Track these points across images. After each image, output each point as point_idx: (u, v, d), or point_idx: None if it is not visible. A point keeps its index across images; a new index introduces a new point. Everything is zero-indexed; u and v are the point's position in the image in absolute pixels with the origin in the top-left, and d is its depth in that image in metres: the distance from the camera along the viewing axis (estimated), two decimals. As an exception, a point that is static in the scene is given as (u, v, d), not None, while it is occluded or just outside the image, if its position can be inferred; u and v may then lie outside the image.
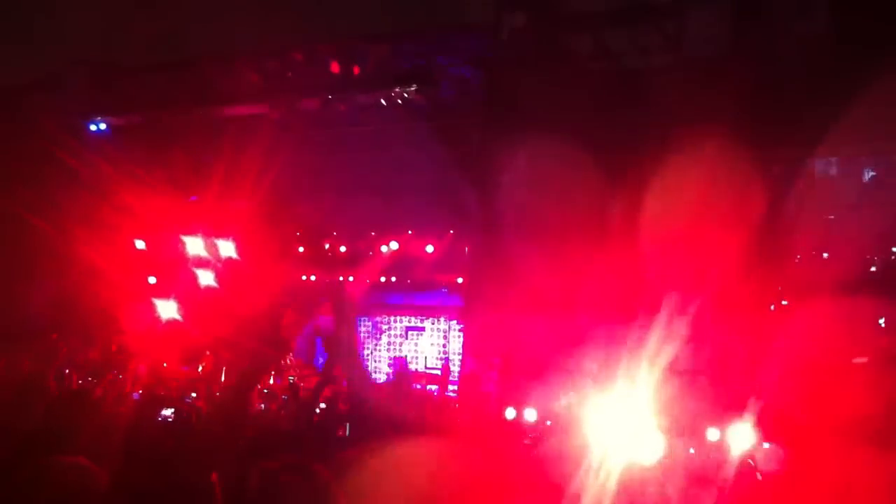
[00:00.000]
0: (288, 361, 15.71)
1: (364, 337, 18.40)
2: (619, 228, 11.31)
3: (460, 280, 15.69)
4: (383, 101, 15.08)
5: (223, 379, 14.66)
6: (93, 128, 17.70)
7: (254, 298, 13.33)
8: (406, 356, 17.43)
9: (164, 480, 4.66)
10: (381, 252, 16.36)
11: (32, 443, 5.50)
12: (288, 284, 16.41)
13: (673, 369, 8.02)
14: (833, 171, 12.81)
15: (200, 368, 14.91)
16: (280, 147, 14.26)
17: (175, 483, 4.73)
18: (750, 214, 10.95)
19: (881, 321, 11.75)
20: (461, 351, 15.97)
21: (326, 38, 15.64)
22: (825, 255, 12.22)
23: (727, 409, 7.92)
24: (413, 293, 17.32)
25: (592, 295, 10.95)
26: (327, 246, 17.06)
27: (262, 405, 13.16)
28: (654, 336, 8.36)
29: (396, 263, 16.40)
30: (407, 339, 17.91)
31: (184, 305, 11.83)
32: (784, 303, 12.38)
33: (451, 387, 16.07)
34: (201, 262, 12.30)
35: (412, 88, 14.86)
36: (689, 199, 10.81)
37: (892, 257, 12.27)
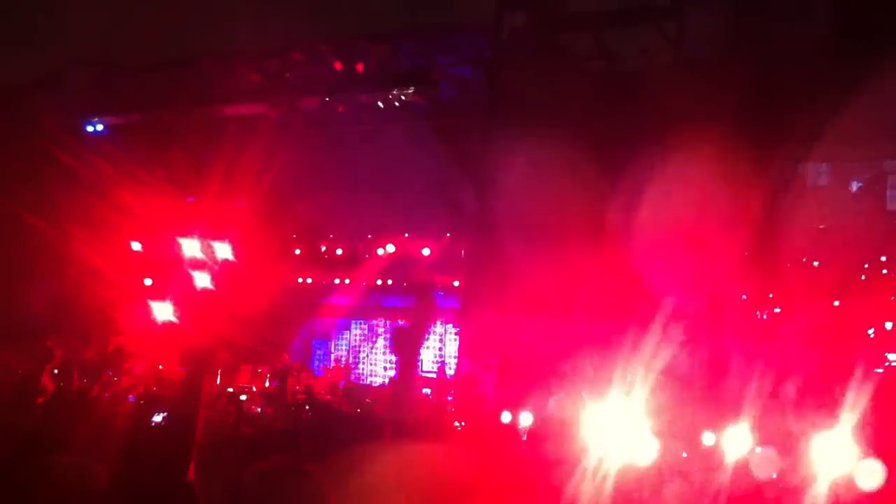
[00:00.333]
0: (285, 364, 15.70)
1: (360, 340, 18.37)
2: (617, 230, 11.29)
3: (457, 283, 15.66)
4: (381, 102, 15.07)
5: (219, 380, 14.66)
6: (91, 128, 17.69)
7: (250, 300, 13.31)
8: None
9: (163, 480, 4.67)
10: (377, 255, 16.34)
11: (31, 442, 5.51)
12: (285, 286, 16.39)
13: (669, 373, 8.00)
14: (823, 181, 12.88)
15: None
16: (279, 147, 14.25)
17: (174, 482, 4.74)
18: (747, 216, 10.94)
19: (870, 331, 11.86)
20: (457, 354, 15.93)
21: (326, 38, 15.64)
22: (816, 263, 12.30)
23: (723, 413, 7.89)
24: (410, 296, 17.29)
25: (589, 298, 10.92)
26: (324, 248, 17.03)
27: (259, 408, 13.16)
28: (651, 339, 8.35)
29: (393, 265, 16.36)
30: (403, 341, 17.87)
31: (180, 307, 11.80)
32: (777, 310, 12.43)
33: (447, 390, 16.04)
34: (198, 264, 12.26)
35: (411, 89, 14.84)
36: (687, 201, 10.80)
37: (882, 269, 12.34)
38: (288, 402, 12.72)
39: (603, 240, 11.45)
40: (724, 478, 6.93)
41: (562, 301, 11.16)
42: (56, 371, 12.66)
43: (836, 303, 11.81)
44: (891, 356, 11.87)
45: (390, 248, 16.14)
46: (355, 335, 18.36)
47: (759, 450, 7.20)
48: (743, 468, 7.04)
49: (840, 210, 12.53)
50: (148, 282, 15.31)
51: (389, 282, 16.88)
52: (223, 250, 12.13)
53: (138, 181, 14.78)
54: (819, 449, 6.57)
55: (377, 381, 17.56)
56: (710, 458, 7.52)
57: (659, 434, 7.52)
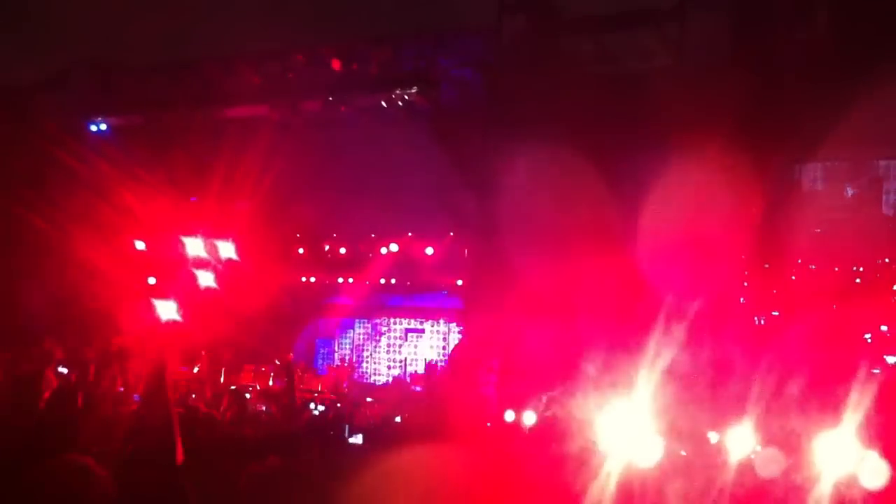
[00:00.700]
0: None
1: (363, 339, 18.40)
2: (618, 232, 11.33)
3: (460, 282, 15.70)
4: (384, 104, 15.10)
5: (222, 380, 14.68)
6: (94, 128, 17.70)
7: (254, 299, 13.33)
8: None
9: (165, 482, 4.67)
10: (380, 254, 16.37)
11: (34, 443, 5.50)
12: (288, 285, 16.42)
13: (672, 373, 8.02)
14: (819, 185, 12.99)
15: (196, 369, 14.92)
16: (280, 148, 14.27)
17: (175, 484, 4.74)
18: (748, 219, 10.99)
19: (867, 336, 11.96)
20: (460, 353, 15.96)
21: (328, 40, 15.67)
22: (812, 266, 12.40)
23: (727, 412, 7.92)
24: (413, 295, 17.33)
25: (592, 298, 10.96)
26: (327, 248, 17.06)
27: (264, 407, 13.14)
28: (654, 339, 8.37)
29: (396, 265, 16.40)
30: (406, 341, 17.91)
31: (183, 306, 11.81)
32: (774, 313, 12.51)
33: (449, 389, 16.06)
34: (201, 263, 12.28)
35: (413, 90, 14.87)
36: (688, 203, 10.83)
37: (877, 272, 12.44)
38: (296, 402, 12.71)
39: (604, 241, 11.48)
40: (728, 477, 6.95)
41: (565, 301, 11.20)
42: (59, 370, 12.67)
43: (834, 306, 11.91)
44: (889, 359, 11.95)
45: (393, 247, 16.18)
46: (359, 334, 18.40)
47: (762, 449, 7.22)
48: (747, 467, 7.06)
49: (836, 214, 12.63)
50: (152, 281, 15.35)
51: (393, 281, 16.92)
52: (227, 249, 12.15)
53: (140, 181, 14.81)
54: (823, 448, 6.59)
55: (381, 380, 17.60)
56: (714, 458, 7.54)
57: (662, 434, 7.54)
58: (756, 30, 12.24)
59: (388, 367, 17.83)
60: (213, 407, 11.83)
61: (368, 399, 14.68)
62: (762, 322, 12.48)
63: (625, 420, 7.43)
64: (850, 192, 13.05)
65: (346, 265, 16.89)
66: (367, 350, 18.27)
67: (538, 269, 11.51)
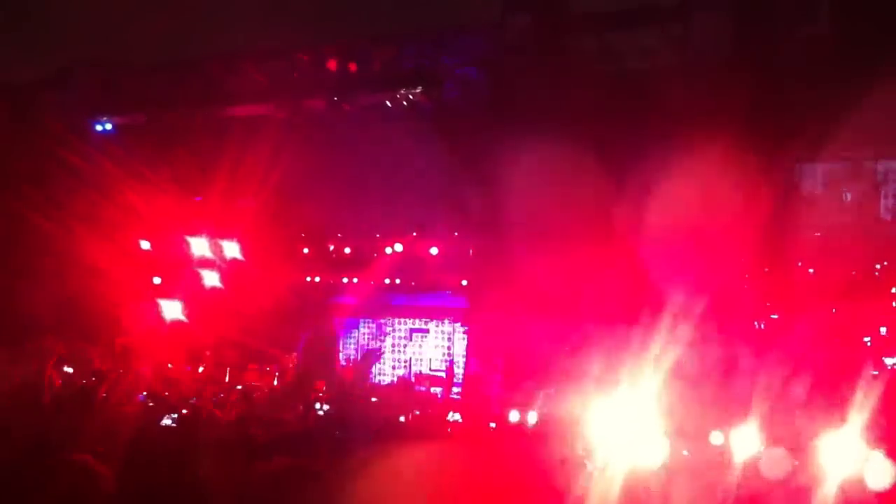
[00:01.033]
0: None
1: (368, 339, 18.38)
2: (623, 231, 11.32)
3: (465, 282, 15.68)
4: (388, 102, 15.09)
5: (227, 379, 14.66)
6: (98, 127, 17.71)
7: (258, 299, 13.36)
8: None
9: (169, 480, 4.68)
10: (385, 253, 16.35)
11: (38, 442, 5.51)
12: (293, 285, 16.42)
13: (677, 373, 8.02)
14: (819, 189, 13.04)
15: (201, 369, 14.92)
16: (284, 147, 14.27)
17: (179, 483, 4.74)
18: (751, 217, 10.98)
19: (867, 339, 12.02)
20: (465, 353, 15.96)
21: (332, 40, 15.66)
22: (811, 270, 12.46)
23: (731, 412, 7.91)
24: (417, 295, 17.30)
25: (597, 298, 10.95)
26: (332, 247, 17.04)
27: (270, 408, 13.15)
28: (658, 339, 8.36)
29: (401, 265, 16.38)
30: (411, 341, 17.88)
31: (188, 306, 11.83)
32: (773, 316, 12.55)
33: (454, 389, 16.05)
34: (206, 263, 12.31)
35: (417, 89, 14.86)
36: (691, 202, 10.82)
37: (875, 274, 12.49)
38: (310, 401, 12.74)
39: (609, 240, 11.47)
40: (733, 478, 6.94)
41: (570, 301, 11.19)
42: (66, 369, 12.69)
43: (833, 309, 11.95)
44: (888, 360, 11.97)
45: (398, 247, 16.15)
46: (363, 334, 18.37)
47: (768, 450, 7.21)
48: (752, 468, 7.05)
49: (835, 218, 12.67)
50: (157, 281, 15.37)
51: (398, 281, 16.90)
52: (231, 249, 12.20)
53: (144, 181, 14.82)
54: (828, 448, 6.59)
55: (385, 379, 17.58)
56: (719, 458, 7.54)
57: (667, 434, 7.54)
58: (759, 28, 12.23)
59: (393, 368, 17.81)
60: (219, 406, 11.84)
61: (373, 399, 14.66)
62: (762, 325, 12.50)
63: (629, 420, 7.43)
64: (848, 195, 13.11)
65: (350, 265, 16.87)
66: (372, 350, 18.26)
67: (543, 269, 11.49)
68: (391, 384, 17.12)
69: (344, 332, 18.48)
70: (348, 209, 16.05)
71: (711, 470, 7.12)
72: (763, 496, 6.58)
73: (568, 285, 11.22)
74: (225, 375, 15.05)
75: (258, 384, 14.78)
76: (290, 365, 15.44)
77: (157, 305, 11.80)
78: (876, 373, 10.64)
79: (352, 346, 18.46)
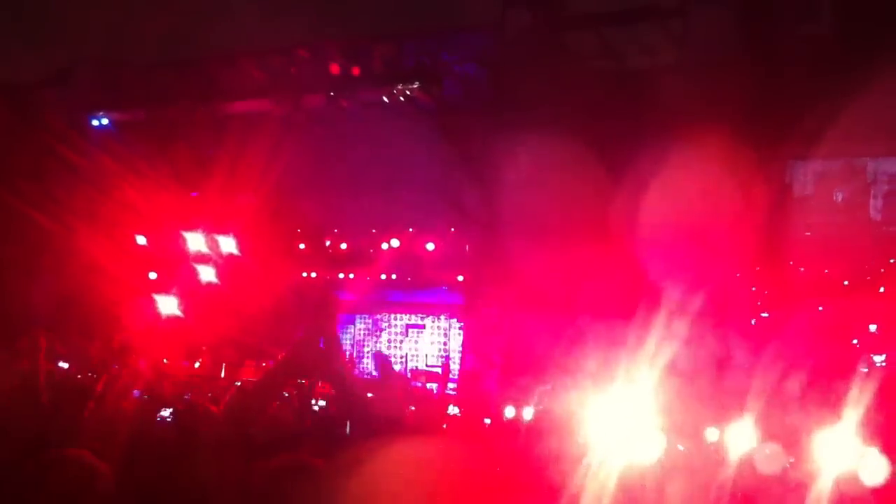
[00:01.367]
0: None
1: (364, 334, 18.40)
2: (621, 227, 11.34)
3: (461, 278, 15.70)
4: (387, 99, 15.09)
5: (223, 375, 14.66)
6: (96, 123, 17.71)
7: (254, 295, 13.36)
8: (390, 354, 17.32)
9: (167, 477, 4.68)
10: (382, 249, 16.37)
11: (37, 438, 5.52)
12: (289, 281, 16.44)
13: (672, 368, 8.03)
14: (810, 190, 13.12)
15: (198, 365, 14.93)
16: (282, 144, 14.28)
17: (177, 480, 4.75)
18: (749, 215, 11.01)
19: (855, 341, 12.11)
20: (461, 349, 15.98)
21: (331, 36, 15.65)
22: (802, 269, 12.54)
23: (726, 408, 7.94)
24: (414, 291, 17.33)
25: (593, 294, 10.97)
26: (328, 243, 17.06)
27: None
28: (655, 335, 8.38)
29: (397, 261, 16.40)
30: (407, 336, 17.91)
31: (185, 301, 11.84)
32: (764, 314, 12.63)
33: (450, 385, 16.08)
34: (202, 258, 12.31)
35: (416, 86, 14.87)
36: (690, 199, 10.84)
37: (866, 275, 12.60)
38: (310, 399, 12.76)
39: (606, 237, 11.49)
40: (729, 474, 6.96)
41: (566, 297, 11.21)
42: (62, 365, 12.68)
43: (820, 308, 12.05)
44: (876, 358, 12.05)
45: (395, 243, 16.17)
46: (359, 330, 18.40)
47: (762, 446, 7.23)
48: (747, 464, 7.07)
49: (826, 218, 12.74)
50: (153, 276, 15.37)
51: (394, 277, 16.92)
52: (227, 244, 12.20)
53: (142, 177, 14.82)
54: (823, 445, 6.61)
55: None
56: (714, 454, 7.56)
57: (663, 430, 7.55)
58: (759, 26, 12.24)
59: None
60: (215, 403, 11.86)
61: (369, 395, 14.66)
62: (753, 322, 12.57)
63: (625, 416, 7.44)
64: (840, 196, 13.19)
65: (347, 260, 16.89)
66: (368, 346, 18.27)
67: (539, 265, 11.52)
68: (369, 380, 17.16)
69: (339, 327, 18.51)
70: (345, 205, 16.06)
71: (707, 466, 7.14)
72: (758, 492, 6.60)
73: (564, 282, 11.24)
74: (221, 371, 15.06)
75: (255, 379, 14.78)
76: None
77: (153, 301, 11.79)
78: (867, 370, 10.71)
79: (347, 342, 18.49)
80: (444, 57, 14.80)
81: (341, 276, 17.24)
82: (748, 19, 12.29)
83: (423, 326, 17.73)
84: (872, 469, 6.21)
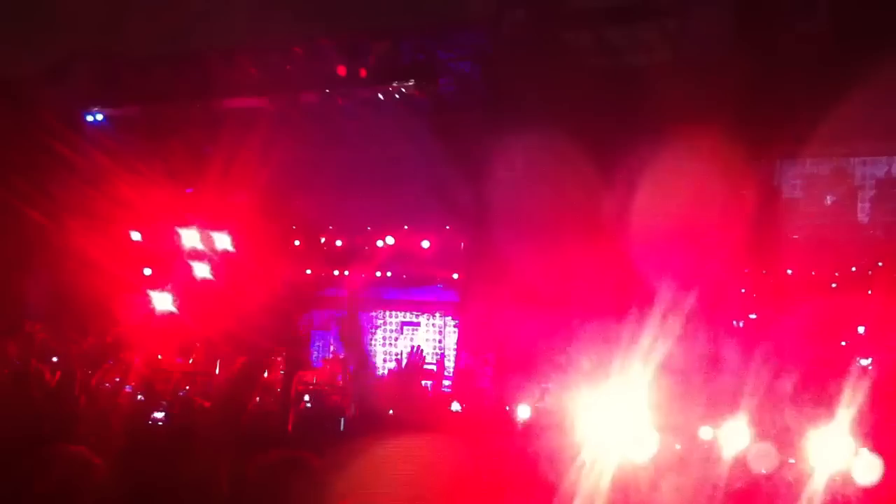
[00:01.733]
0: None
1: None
2: (615, 225, 11.35)
3: (456, 276, 15.70)
4: (382, 96, 15.08)
5: (217, 372, 14.63)
6: (90, 118, 17.67)
7: (249, 291, 13.33)
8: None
9: (161, 472, 4.68)
10: (377, 246, 16.36)
11: (30, 433, 5.51)
12: (284, 278, 16.42)
13: (667, 367, 8.04)
14: (798, 193, 13.21)
15: (191, 361, 14.91)
16: (278, 140, 14.26)
17: (171, 475, 4.74)
18: (743, 214, 11.04)
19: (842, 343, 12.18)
20: (456, 347, 15.98)
21: (327, 34, 15.63)
22: (789, 271, 12.62)
23: (721, 407, 7.95)
24: (409, 288, 17.33)
25: (587, 292, 10.97)
26: (324, 240, 17.05)
27: (258, 398, 13.15)
28: (649, 333, 8.38)
29: (393, 258, 16.40)
30: (402, 334, 17.92)
31: (179, 297, 11.80)
32: (752, 316, 12.68)
33: (445, 382, 16.09)
34: (197, 255, 12.28)
35: (412, 83, 14.86)
36: (684, 198, 10.85)
37: (854, 277, 12.68)
38: (291, 394, 12.72)
39: (601, 235, 11.50)
40: (722, 472, 6.97)
41: (561, 295, 11.21)
42: (55, 360, 12.64)
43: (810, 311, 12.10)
44: (863, 361, 12.11)
45: (390, 240, 16.18)
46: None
47: (756, 445, 7.24)
48: (741, 463, 7.09)
49: (814, 221, 12.80)
50: (147, 272, 15.34)
51: (389, 274, 16.93)
52: (222, 241, 12.18)
53: (137, 173, 14.78)
54: (816, 444, 6.62)
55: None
56: (708, 453, 7.57)
57: (657, 428, 7.55)
58: (757, 24, 12.25)
59: (384, 360, 17.83)
60: (207, 397, 11.84)
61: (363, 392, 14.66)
62: (740, 324, 12.63)
63: (618, 414, 7.44)
64: (829, 199, 13.29)
65: (342, 257, 16.89)
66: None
67: (534, 263, 11.52)
68: (382, 377, 17.16)
69: (334, 324, 18.51)
70: (341, 202, 16.05)
71: (701, 464, 7.15)
72: (752, 491, 6.62)
73: (559, 280, 11.25)
74: (215, 367, 15.04)
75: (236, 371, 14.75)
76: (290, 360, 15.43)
77: (147, 297, 11.77)
78: (856, 371, 10.75)
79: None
80: (440, 54, 14.79)
81: (336, 272, 17.23)
82: (745, 18, 12.29)
83: (419, 324, 17.73)
84: (865, 468, 6.24)
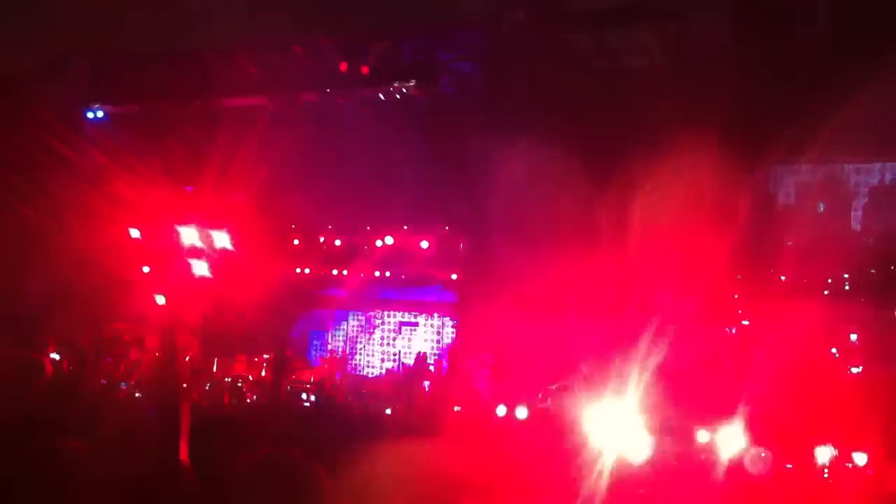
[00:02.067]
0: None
1: (357, 331, 18.40)
2: (613, 228, 11.35)
3: (454, 276, 15.69)
4: (382, 96, 15.08)
5: (215, 369, 14.66)
6: (90, 115, 17.66)
7: (248, 290, 13.33)
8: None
9: (154, 467, 4.67)
10: (375, 246, 16.35)
11: (29, 427, 5.52)
12: (282, 276, 16.41)
13: (663, 370, 8.06)
14: (792, 200, 13.28)
15: (188, 358, 14.92)
16: (277, 139, 14.25)
17: (164, 470, 4.75)
18: (740, 219, 11.05)
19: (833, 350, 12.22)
20: (454, 347, 15.96)
21: (327, 33, 15.63)
22: (783, 278, 12.66)
23: (717, 411, 7.97)
24: (407, 288, 17.32)
25: (585, 295, 10.98)
26: (322, 239, 17.04)
27: (254, 396, 13.22)
28: (646, 337, 8.40)
29: (391, 258, 16.39)
30: (400, 334, 17.90)
31: (177, 295, 11.82)
32: (745, 322, 12.71)
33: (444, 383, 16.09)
34: (195, 253, 12.27)
35: (412, 82, 14.86)
36: (682, 202, 10.86)
37: (846, 285, 12.73)
38: (282, 392, 12.76)
39: (598, 237, 11.50)
40: (718, 474, 6.99)
41: (558, 298, 11.22)
42: (53, 356, 12.69)
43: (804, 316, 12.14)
44: (854, 370, 12.14)
45: (389, 240, 16.16)
46: (352, 326, 18.39)
47: (752, 448, 7.27)
48: (736, 465, 7.11)
49: (808, 228, 12.83)
50: (146, 270, 15.32)
51: (387, 274, 16.92)
52: (221, 239, 12.17)
53: (135, 170, 14.76)
54: (814, 448, 6.66)
55: (373, 372, 17.60)
56: (703, 455, 7.59)
57: (654, 431, 7.58)
58: (756, 29, 12.26)
59: (382, 360, 17.83)
60: (206, 397, 11.89)
61: (362, 391, 14.71)
62: (733, 331, 12.66)
63: (616, 416, 7.46)
64: (821, 207, 13.34)
65: (340, 257, 16.87)
66: (361, 342, 18.25)
67: (532, 265, 11.52)
68: (379, 377, 17.15)
69: (333, 324, 18.51)
70: (340, 202, 16.04)
71: (696, 466, 7.17)
72: (747, 492, 6.64)
73: (557, 281, 11.24)
74: (213, 366, 15.06)
75: (246, 374, 14.79)
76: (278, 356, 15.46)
77: (146, 294, 11.78)
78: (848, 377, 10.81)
79: (340, 339, 18.48)
80: (440, 55, 14.79)
81: (335, 272, 17.22)
82: (744, 22, 12.31)
83: (417, 324, 17.72)
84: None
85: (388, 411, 11.92)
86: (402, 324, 17.88)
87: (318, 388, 14.41)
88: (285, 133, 14.68)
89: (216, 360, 15.04)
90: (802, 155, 11.98)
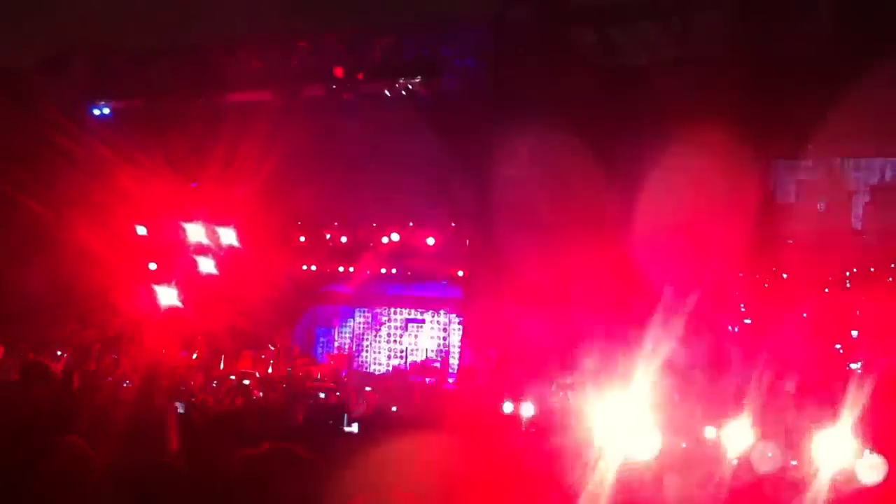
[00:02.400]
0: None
1: (363, 328, 18.40)
2: (618, 223, 11.34)
3: (461, 273, 15.68)
4: (387, 92, 15.06)
5: (221, 366, 14.65)
6: (96, 112, 17.66)
7: (254, 286, 13.35)
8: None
9: (157, 463, 4.67)
10: (381, 243, 16.35)
11: (29, 424, 5.52)
12: (288, 273, 16.42)
13: (670, 366, 8.03)
14: (792, 198, 13.28)
15: (195, 356, 14.93)
16: (282, 135, 14.23)
17: (166, 466, 4.74)
18: (745, 212, 11.04)
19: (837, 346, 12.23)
20: (460, 344, 15.96)
21: (332, 28, 15.62)
22: (784, 275, 12.67)
23: (724, 407, 7.94)
24: (413, 285, 17.32)
25: (591, 290, 10.96)
26: (328, 235, 17.04)
27: (261, 392, 13.18)
28: (653, 332, 8.37)
29: (397, 255, 16.39)
30: (407, 330, 17.89)
31: (184, 292, 11.81)
32: (747, 321, 12.72)
33: (449, 379, 16.09)
34: (202, 249, 12.28)
35: (416, 79, 14.84)
36: (687, 196, 10.85)
37: (847, 282, 12.72)
38: (292, 388, 12.75)
39: (604, 233, 11.50)
40: (726, 472, 6.96)
41: (565, 293, 11.21)
42: (58, 353, 12.68)
43: (804, 314, 12.14)
44: (853, 365, 12.14)
45: (395, 236, 16.16)
46: (358, 323, 18.39)
47: (760, 444, 7.23)
48: (745, 462, 7.07)
49: (808, 226, 12.82)
50: (152, 266, 15.33)
51: (393, 270, 16.92)
52: (227, 236, 12.18)
53: (140, 166, 14.77)
54: (820, 444, 6.62)
55: (380, 369, 17.59)
56: (712, 452, 7.56)
57: (661, 428, 7.54)
58: (759, 24, 12.22)
59: (388, 357, 17.82)
60: (211, 394, 11.87)
61: (367, 388, 14.68)
62: (735, 329, 12.67)
63: (623, 413, 7.43)
64: (822, 205, 13.34)
65: (346, 253, 16.88)
66: (367, 339, 18.25)
67: (538, 261, 11.51)
68: (386, 373, 17.14)
69: (339, 320, 18.50)
70: (345, 198, 16.04)
71: (704, 463, 7.14)
72: (755, 490, 6.60)
73: (563, 278, 11.23)
74: (219, 362, 15.06)
75: (252, 370, 14.78)
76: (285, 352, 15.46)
77: (152, 291, 11.77)
78: (852, 373, 10.79)
79: (346, 336, 18.48)
80: (444, 50, 14.77)
81: (341, 269, 17.22)
82: (748, 15, 12.28)
83: (423, 321, 17.71)
84: (869, 468, 6.23)
85: (394, 409, 11.90)
86: (408, 321, 17.86)
87: (323, 385, 14.40)
88: (290, 129, 14.65)
89: (223, 357, 15.03)
90: (805, 150, 11.98)
